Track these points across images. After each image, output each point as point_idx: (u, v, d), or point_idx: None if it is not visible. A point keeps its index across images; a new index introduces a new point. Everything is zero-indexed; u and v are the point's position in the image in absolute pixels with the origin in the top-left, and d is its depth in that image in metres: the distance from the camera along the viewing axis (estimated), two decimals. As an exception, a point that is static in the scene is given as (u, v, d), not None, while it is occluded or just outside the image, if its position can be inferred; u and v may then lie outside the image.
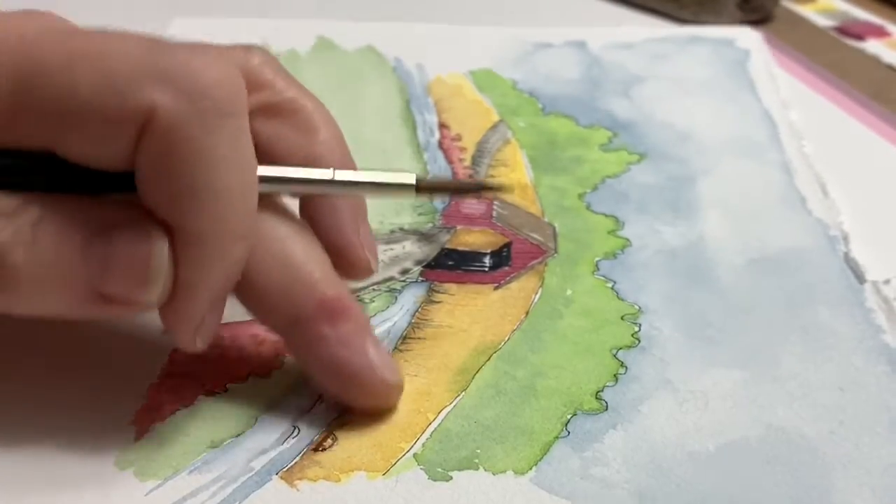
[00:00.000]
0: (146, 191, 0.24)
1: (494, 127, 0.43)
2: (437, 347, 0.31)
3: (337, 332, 0.27)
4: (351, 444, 0.27)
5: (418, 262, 0.35)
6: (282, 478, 0.26)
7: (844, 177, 0.40)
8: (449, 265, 0.35)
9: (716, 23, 0.53)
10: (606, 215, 0.38)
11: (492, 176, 0.40)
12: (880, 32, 0.53)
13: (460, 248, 0.35)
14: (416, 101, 0.45)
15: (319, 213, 0.29)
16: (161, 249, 0.24)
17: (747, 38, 0.52)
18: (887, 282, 0.34)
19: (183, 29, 0.49)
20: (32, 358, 0.30)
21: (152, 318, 0.31)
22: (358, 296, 0.33)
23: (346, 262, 0.29)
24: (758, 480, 0.26)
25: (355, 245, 0.29)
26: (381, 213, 0.37)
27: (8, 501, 0.25)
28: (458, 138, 0.42)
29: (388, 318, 0.32)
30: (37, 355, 0.30)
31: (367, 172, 0.28)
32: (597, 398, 0.29)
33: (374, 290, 0.33)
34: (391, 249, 0.35)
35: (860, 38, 0.53)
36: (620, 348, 0.31)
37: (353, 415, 0.28)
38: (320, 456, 0.27)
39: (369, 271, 0.29)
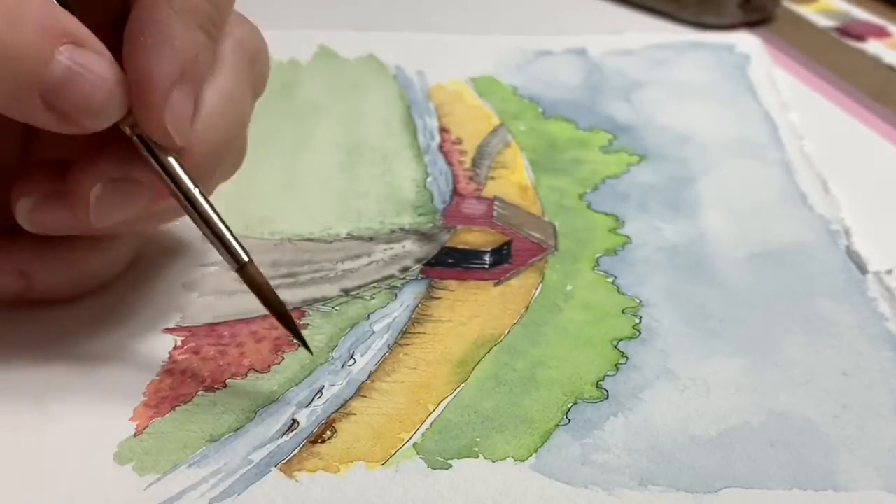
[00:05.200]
0: None
1: (495, 131, 0.43)
2: (436, 341, 0.31)
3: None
4: (350, 436, 0.27)
5: (418, 261, 0.35)
6: (281, 470, 0.26)
7: (845, 176, 0.40)
8: (449, 263, 0.35)
9: (717, 23, 0.54)
10: (607, 214, 0.38)
11: (492, 178, 0.40)
12: (881, 33, 0.53)
13: (460, 246, 0.35)
14: (417, 107, 0.45)
15: (138, 44, 0.26)
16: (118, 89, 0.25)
17: (747, 43, 0.52)
18: (890, 272, 0.34)
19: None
20: (33, 353, 0.30)
21: (153, 317, 0.32)
22: (358, 293, 0.33)
23: (143, 115, 0.26)
24: (761, 462, 0.26)
25: (156, 103, 0.26)
26: (382, 213, 0.37)
27: (9, 497, 0.25)
28: (459, 142, 0.42)
29: (388, 314, 0.32)
30: (37, 351, 0.30)
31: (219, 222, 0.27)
32: (597, 387, 0.29)
33: (374, 287, 0.33)
34: (391, 248, 0.35)
35: (861, 38, 0.53)
36: (621, 339, 0.31)
37: (354, 407, 0.28)
38: (319, 448, 0.27)
39: (169, 140, 0.27)
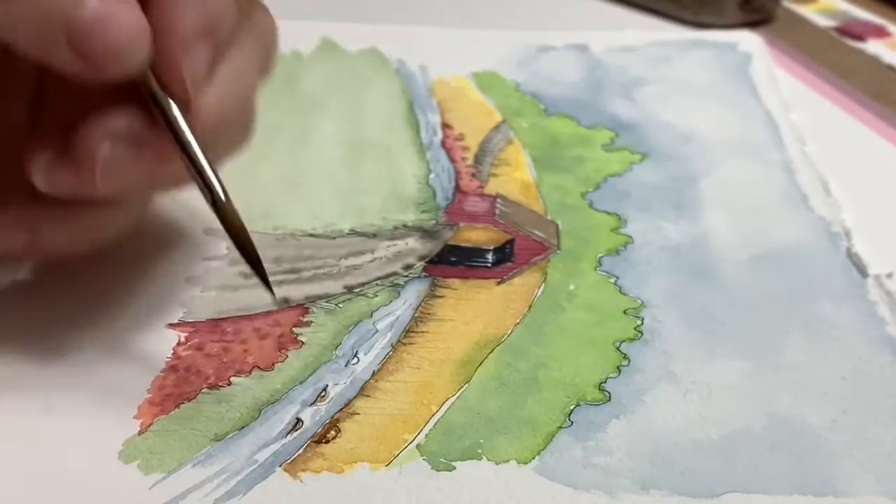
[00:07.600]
0: None
1: (497, 127, 0.43)
2: (439, 340, 0.31)
3: None
4: (354, 436, 0.27)
5: (421, 258, 0.35)
6: (285, 470, 0.26)
7: (846, 176, 0.40)
8: (452, 261, 0.35)
9: (717, 23, 0.54)
10: (609, 213, 0.38)
11: (495, 175, 0.40)
12: (881, 32, 0.54)
13: (463, 244, 0.36)
14: (420, 102, 0.45)
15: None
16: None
17: (749, 42, 0.52)
18: (890, 275, 0.34)
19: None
20: (36, 350, 0.30)
21: (156, 312, 0.32)
22: (361, 290, 0.33)
23: (164, 61, 0.26)
24: (762, 468, 0.26)
25: (178, 51, 0.26)
26: (384, 210, 0.37)
27: (12, 495, 0.25)
28: (461, 138, 0.42)
29: (392, 312, 0.32)
30: (41, 348, 0.30)
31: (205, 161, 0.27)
32: (600, 389, 0.29)
33: (377, 284, 0.33)
34: (394, 245, 0.35)
35: (861, 38, 0.53)
36: (623, 341, 0.31)
37: (357, 407, 0.28)
38: (323, 448, 0.27)
39: (183, 91, 0.26)
